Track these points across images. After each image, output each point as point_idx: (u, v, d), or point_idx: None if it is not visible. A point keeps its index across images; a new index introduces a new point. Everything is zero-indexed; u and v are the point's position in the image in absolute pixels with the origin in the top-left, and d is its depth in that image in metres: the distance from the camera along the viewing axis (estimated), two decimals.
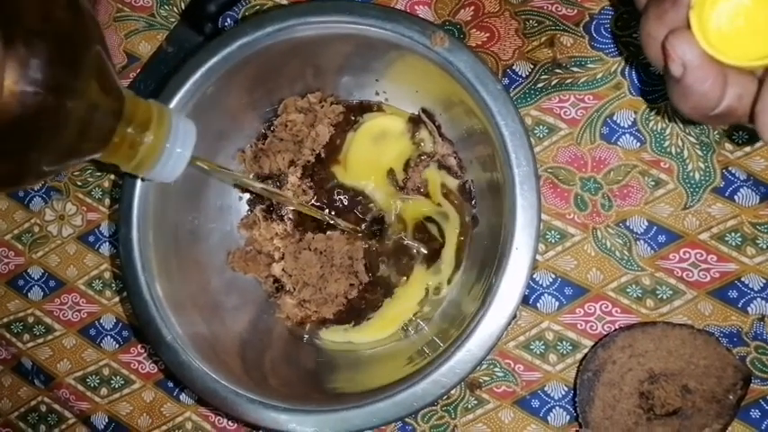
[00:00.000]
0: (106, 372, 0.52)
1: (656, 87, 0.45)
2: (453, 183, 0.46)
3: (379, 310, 0.47)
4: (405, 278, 0.46)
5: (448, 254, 0.46)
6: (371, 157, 0.46)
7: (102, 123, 0.28)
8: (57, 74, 0.25)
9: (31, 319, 0.53)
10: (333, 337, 0.47)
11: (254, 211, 0.48)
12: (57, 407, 0.53)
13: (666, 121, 0.45)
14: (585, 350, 0.45)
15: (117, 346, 0.52)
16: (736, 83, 0.28)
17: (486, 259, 0.43)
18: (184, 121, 0.31)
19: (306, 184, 0.47)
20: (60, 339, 0.53)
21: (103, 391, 0.52)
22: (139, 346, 0.51)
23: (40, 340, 0.53)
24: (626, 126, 0.45)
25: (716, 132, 0.44)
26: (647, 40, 0.30)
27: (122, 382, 0.51)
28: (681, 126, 0.44)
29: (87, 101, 0.26)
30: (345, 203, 0.47)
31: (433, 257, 0.46)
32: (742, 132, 0.44)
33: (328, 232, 0.47)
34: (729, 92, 0.28)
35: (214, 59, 0.41)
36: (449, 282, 0.46)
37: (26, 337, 0.53)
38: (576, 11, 0.46)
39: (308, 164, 0.47)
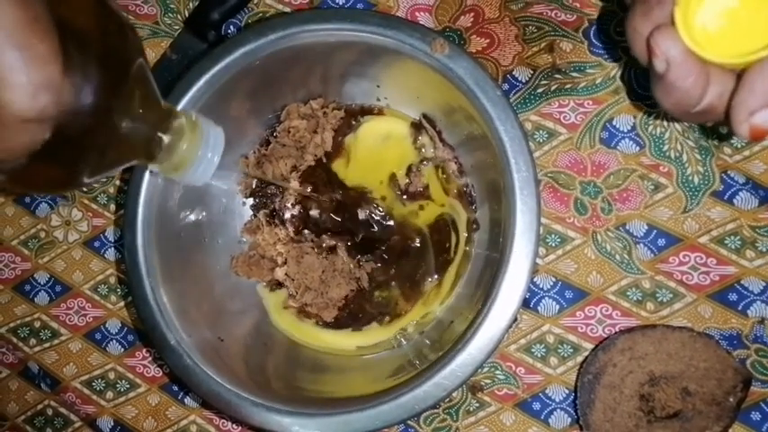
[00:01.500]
0: (112, 375, 0.52)
1: None
2: (454, 187, 0.46)
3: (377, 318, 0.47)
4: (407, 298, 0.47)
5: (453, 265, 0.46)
6: (375, 160, 0.47)
7: (144, 133, 0.29)
8: (109, 90, 0.26)
9: (37, 324, 0.54)
10: (330, 340, 0.48)
11: (258, 216, 0.49)
12: (63, 410, 0.53)
13: (665, 125, 0.45)
14: (586, 353, 0.45)
15: (122, 350, 0.52)
16: (718, 81, 0.29)
17: (486, 264, 0.44)
18: (214, 128, 0.33)
19: (306, 189, 0.47)
20: (66, 344, 0.53)
21: (109, 394, 0.52)
22: (144, 350, 0.52)
23: (47, 344, 0.54)
24: (625, 130, 0.45)
25: (715, 137, 0.44)
26: (632, 36, 0.31)
27: (128, 386, 0.52)
28: (680, 130, 0.45)
29: (133, 113, 0.28)
30: (348, 209, 0.47)
31: (437, 268, 0.46)
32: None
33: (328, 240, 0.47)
34: (711, 90, 0.29)
35: (217, 67, 0.42)
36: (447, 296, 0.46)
37: (33, 341, 0.54)
38: (575, 16, 0.46)
39: (310, 168, 0.47)
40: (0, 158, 0.23)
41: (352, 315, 0.47)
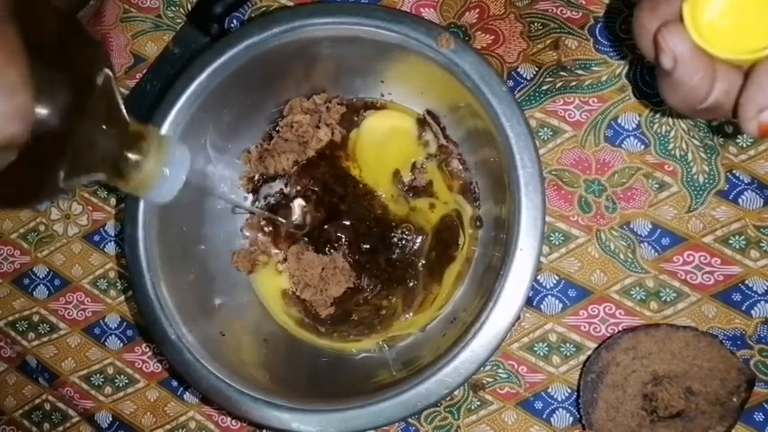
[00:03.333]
0: (110, 370, 0.52)
1: None
2: (457, 183, 0.46)
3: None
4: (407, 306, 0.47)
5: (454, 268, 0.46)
6: (378, 156, 0.47)
7: (109, 150, 0.29)
8: (75, 109, 0.26)
9: (36, 318, 0.53)
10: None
11: (259, 212, 0.48)
12: (61, 405, 0.53)
13: (671, 123, 0.45)
14: (589, 352, 0.45)
15: (121, 345, 0.52)
16: (724, 78, 0.29)
17: (489, 262, 0.43)
18: (180, 148, 0.33)
19: (308, 186, 0.47)
20: (65, 338, 0.53)
21: (108, 389, 0.52)
22: (144, 345, 0.51)
23: (45, 339, 0.53)
24: (630, 129, 0.45)
25: (720, 135, 0.44)
26: (639, 32, 0.31)
27: (126, 381, 0.52)
28: (685, 129, 0.44)
29: (98, 130, 0.28)
30: (352, 207, 0.47)
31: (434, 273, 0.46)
32: (746, 136, 0.44)
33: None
34: (718, 86, 0.29)
35: (220, 60, 0.41)
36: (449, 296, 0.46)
37: (31, 335, 0.53)
38: (580, 14, 0.46)
39: (314, 162, 0.47)
40: None
41: (346, 313, 0.47)
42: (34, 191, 0.28)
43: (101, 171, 0.30)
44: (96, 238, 0.52)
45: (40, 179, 0.27)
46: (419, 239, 0.46)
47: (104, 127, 0.29)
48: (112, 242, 0.52)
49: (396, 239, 0.46)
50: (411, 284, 0.46)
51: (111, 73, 0.29)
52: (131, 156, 0.31)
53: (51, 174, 0.27)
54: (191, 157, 0.34)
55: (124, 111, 0.30)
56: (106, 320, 0.52)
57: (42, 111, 0.23)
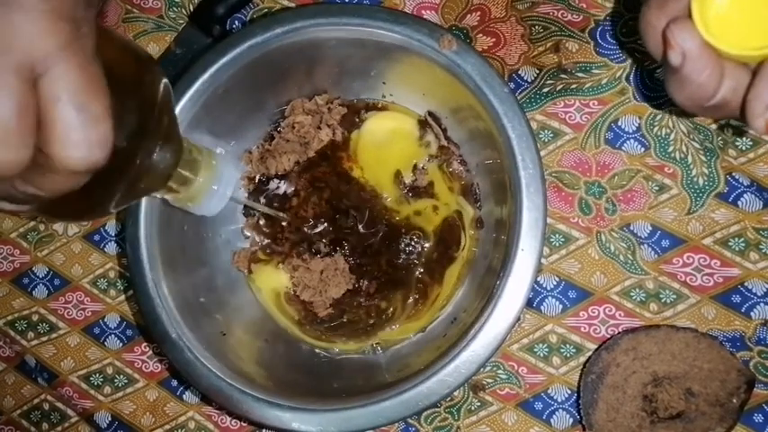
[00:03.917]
0: (110, 370, 0.52)
1: (660, 93, 0.45)
2: (458, 184, 0.46)
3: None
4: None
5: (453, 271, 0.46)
6: (379, 157, 0.47)
7: (166, 167, 0.31)
8: (142, 131, 0.28)
9: (35, 317, 0.53)
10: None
11: (259, 213, 0.48)
12: (60, 405, 0.53)
13: (671, 126, 0.45)
14: (589, 353, 0.45)
15: (121, 344, 0.52)
16: (732, 75, 0.29)
17: (489, 263, 0.44)
18: (228, 164, 0.35)
19: (306, 186, 0.47)
20: (64, 338, 0.53)
21: (107, 389, 0.52)
22: (143, 345, 0.51)
23: (44, 338, 0.53)
24: (630, 131, 0.45)
25: (720, 138, 0.44)
26: (647, 29, 0.31)
27: (126, 381, 0.52)
28: (685, 131, 0.45)
29: (157, 149, 0.30)
30: (351, 208, 0.47)
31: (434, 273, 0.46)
32: (746, 138, 0.44)
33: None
34: (726, 83, 0.29)
35: (223, 60, 0.42)
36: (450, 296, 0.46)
37: (30, 334, 0.53)
38: (581, 17, 0.46)
39: (315, 163, 0.47)
40: (38, 196, 0.25)
41: (344, 315, 0.47)
42: (91, 208, 0.29)
43: (156, 189, 0.32)
44: (96, 237, 0.52)
45: (100, 197, 0.28)
46: (426, 245, 0.46)
47: (162, 145, 0.30)
48: (113, 242, 0.52)
49: (403, 245, 0.46)
50: (411, 287, 0.46)
51: (170, 91, 0.30)
52: (184, 173, 0.33)
53: (111, 192, 0.28)
54: (240, 173, 0.36)
55: (179, 129, 0.32)
56: (106, 320, 0.52)
57: (116, 135, 0.25)
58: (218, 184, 0.34)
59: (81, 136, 0.23)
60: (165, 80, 0.30)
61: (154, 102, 0.29)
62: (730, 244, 0.44)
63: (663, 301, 0.45)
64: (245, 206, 0.48)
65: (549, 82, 0.46)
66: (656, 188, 0.45)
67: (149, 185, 0.31)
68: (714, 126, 0.44)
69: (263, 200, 0.48)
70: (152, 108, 0.29)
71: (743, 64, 0.29)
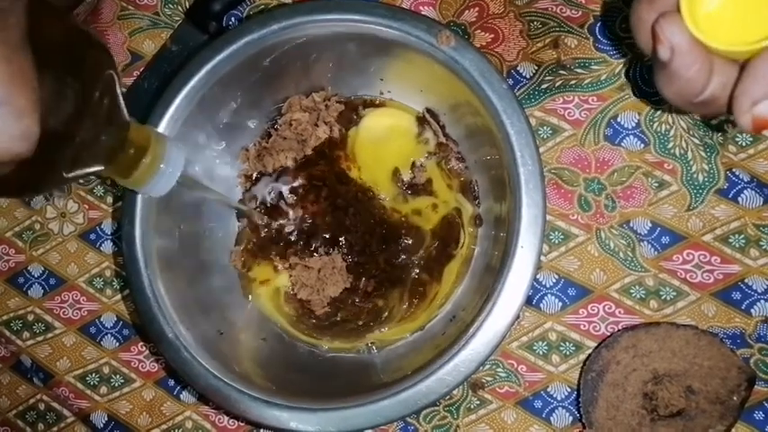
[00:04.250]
0: (106, 370, 0.51)
1: None
2: (457, 182, 0.46)
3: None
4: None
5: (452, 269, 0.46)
6: (377, 154, 0.46)
7: (107, 146, 0.31)
8: (76, 106, 0.28)
9: (30, 317, 0.53)
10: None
11: (256, 210, 0.48)
12: (56, 405, 0.52)
13: (670, 122, 0.45)
14: (589, 351, 0.45)
15: (117, 344, 0.51)
16: (721, 71, 0.29)
17: (488, 261, 0.43)
18: (176, 146, 0.35)
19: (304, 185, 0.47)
20: (60, 337, 0.52)
21: (103, 389, 0.51)
22: (140, 345, 0.51)
23: (40, 338, 0.53)
24: (630, 127, 0.45)
25: (720, 134, 0.44)
26: (637, 24, 0.31)
27: (122, 381, 0.51)
28: (685, 127, 0.44)
29: (99, 129, 0.30)
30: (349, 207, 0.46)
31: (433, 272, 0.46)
32: (746, 135, 0.44)
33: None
34: (714, 79, 0.29)
35: (218, 58, 0.41)
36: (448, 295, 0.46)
37: (26, 334, 0.53)
38: (580, 12, 0.46)
39: (312, 161, 0.47)
40: None
41: (341, 313, 0.47)
42: (35, 184, 0.29)
43: (100, 166, 0.31)
44: (92, 236, 0.52)
45: (42, 175, 0.28)
46: (425, 243, 0.46)
47: (105, 126, 0.30)
48: (109, 241, 0.52)
49: (402, 244, 0.46)
50: (409, 285, 0.46)
51: (115, 75, 0.30)
52: (130, 152, 0.33)
53: (52, 170, 0.28)
54: (186, 155, 0.36)
55: (125, 110, 0.32)
56: (102, 320, 0.52)
57: (49, 120, 0.25)
58: (165, 163, 0.35)
59: (1, 129, 0.23)
60: (112, 66, 0.30)
61: (96, 84, 0.29)
62: (730, 240, 0.44)
63: (663, 298, 0.44)
64: (242, 204, 0.48)
65: (547, 78, 0.46)
66: (656, 184, 0.45)
67: (92, 165, 0.31)
68: (714, 121, 0.44)
69: (260, 198, 0.47)
70: (93, 90, 0.29)
71: (732, 60, 0.29)
